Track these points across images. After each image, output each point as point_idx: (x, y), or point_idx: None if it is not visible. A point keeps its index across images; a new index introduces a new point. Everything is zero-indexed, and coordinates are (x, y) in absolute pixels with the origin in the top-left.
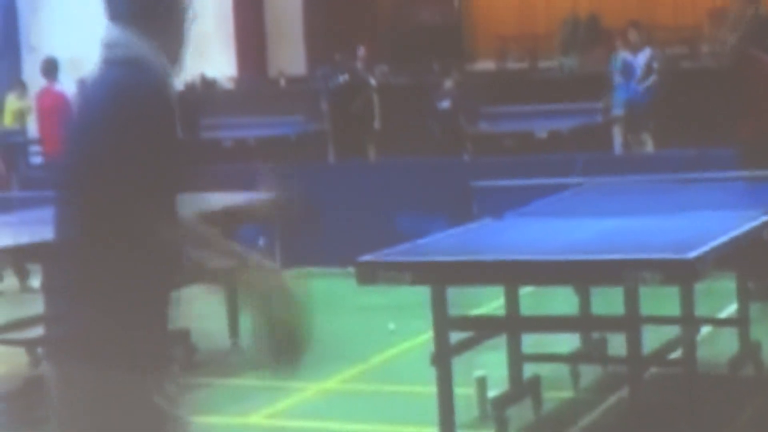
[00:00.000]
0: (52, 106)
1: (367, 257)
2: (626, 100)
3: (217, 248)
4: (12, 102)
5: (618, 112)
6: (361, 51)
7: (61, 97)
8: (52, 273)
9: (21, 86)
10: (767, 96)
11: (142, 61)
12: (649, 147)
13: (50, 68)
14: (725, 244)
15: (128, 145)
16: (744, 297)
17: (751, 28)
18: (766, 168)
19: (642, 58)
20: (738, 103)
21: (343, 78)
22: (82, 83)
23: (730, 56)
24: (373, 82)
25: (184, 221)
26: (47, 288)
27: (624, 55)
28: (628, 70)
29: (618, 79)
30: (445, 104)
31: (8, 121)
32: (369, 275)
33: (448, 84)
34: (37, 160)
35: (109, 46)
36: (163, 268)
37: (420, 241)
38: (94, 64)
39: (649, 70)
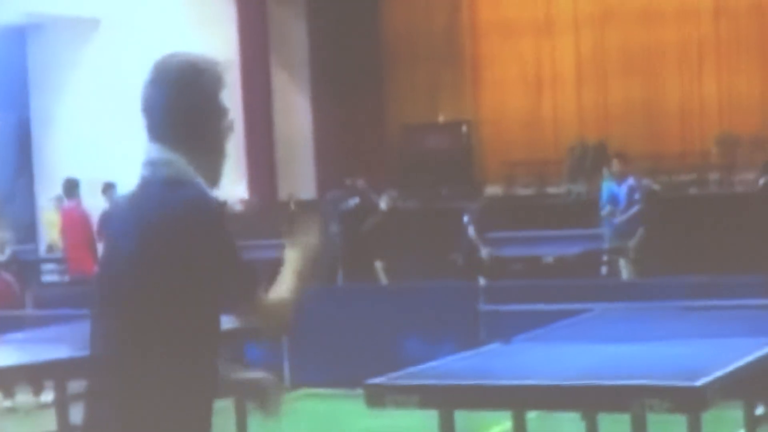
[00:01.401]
0: (77, 224)
1: (375, 380)
2: (613, 231)
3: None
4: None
5: (606, 244)
6: (361, 183)
7: (84, 216)
8: (93, 388)
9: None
10: None
11: (188, 181)
12: (626, 274)
13: (72, 187)
14: (734, 372)
15: (205, 262)
16: (751, 425)
17: None
18: None
19: (624, 188)
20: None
21: (353, 202)
22: (118, 202)
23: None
24: (383, 206)
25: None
26: (88, 401)
27: (610, 185)
28: (614, 200)
29: (607, 209)
30: (471, 232)
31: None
32: (377, 397)
33: (472, 210)
34: (51, 277)
35: (149, 164)
36: (206, 386)
37: (428, 365)
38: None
39: (630, 200)
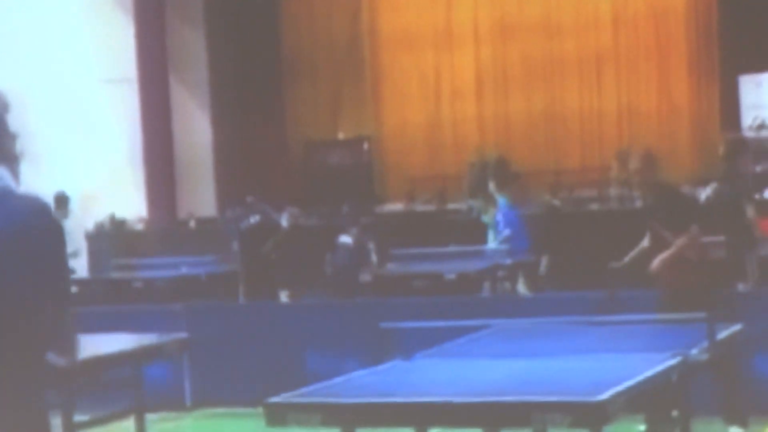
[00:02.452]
0: None
1: (275, 399)
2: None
3: None
4: None
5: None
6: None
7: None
8: None
9: None
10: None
11: (16, 189)
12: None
13: (62, 203)
14: (635, 387)
15: (50, 260)
16: None
17: (652, 199)
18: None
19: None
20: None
21: (254, 219)
22: None
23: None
24: (284, 224)
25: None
26: None
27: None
28: (494, 223)
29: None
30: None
31: None
32: (278, 416)
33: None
34: None
35: None
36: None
37: (329, 383)
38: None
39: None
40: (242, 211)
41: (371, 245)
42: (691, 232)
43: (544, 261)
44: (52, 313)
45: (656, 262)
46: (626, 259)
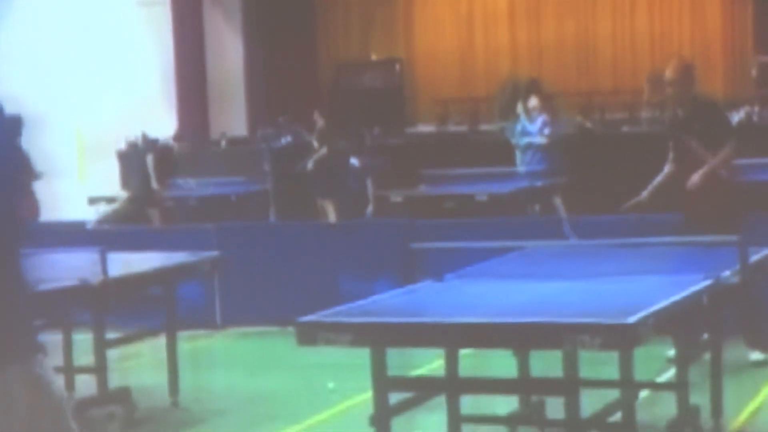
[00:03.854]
0: None
1: (306, 318)
2: (525, 170)
3: None
4: None
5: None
6: (317, 116)
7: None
8: None
9: None
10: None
11: None
12: (562, 211)
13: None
14: (665, 309)
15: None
16: (683, 361)
17: (682, 109)
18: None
19: (537, 125)
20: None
21: (286, 140)
22: None
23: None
24: (316, 144)
25: None
26: None
27: (523, 121)
28: (524, 136)
29: (518, 144)
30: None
31: None
32: (309, 336)
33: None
34: None
35: None
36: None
37: (360, 303)
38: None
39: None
40: (274, 132)
41: (368, 180)
42: (728, 148)
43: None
44: None
45: (696, 177)
46: (644, 193)
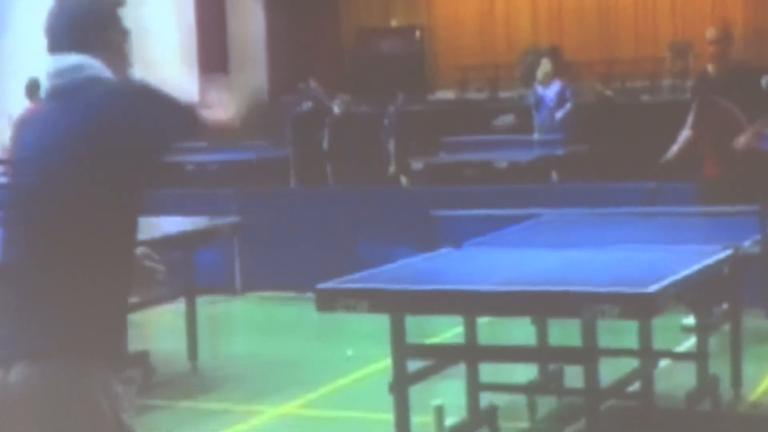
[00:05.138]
0: None
1: (325, 284)
2: (539, 131)
3: None
4: None
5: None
6: (314, 85)
7: None
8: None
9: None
10: (726, 139)
11: (105, 79)
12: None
13: (34, 89)
14: (685, 279)
15: (147, 128)
16: (702, 331)
17: (721, 72)
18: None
19: (553, 90)
20: (702, 144)
21: (306, 106)
22: (37, 108)
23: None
24: (336, 110)
25: None
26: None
27: (536, 87)
28: (539, 102)
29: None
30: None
31: None
32: (327, 302)
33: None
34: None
35: (67, 71)
36: (121, 285)
37: (378, 270)
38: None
39: (561, 101)
40: (294, 98)
41: (391, 141)
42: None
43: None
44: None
45: (743, 139)
46: (670, 153)
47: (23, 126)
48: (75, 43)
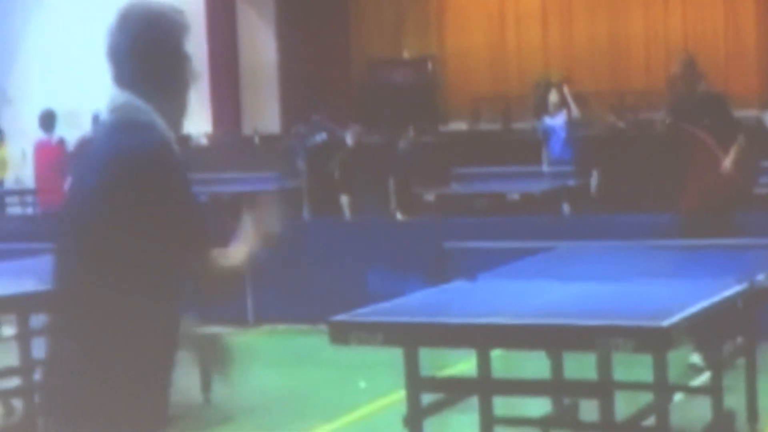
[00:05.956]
0: (50, 157)
1: (339, 317)
2: (552, 162)
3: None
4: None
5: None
6: (316, 116)
7: (59, 149)
8: (54, 323)
9: None
10: (702, 169)
11: (153, 126)
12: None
13: (48, 120)
14: (700, 313)
15: (166, 207)
16: (717, 365)
17: (690, 104)
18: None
19: (560, 120)
20: (677, 177)
21: (320, 137)
22: (83, 140)
23: (665, 130)
24: (349, 141)
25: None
26: (49, 334)
27: (544, 119)
28: (548, 132)
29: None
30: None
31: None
32: (341, 335)
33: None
34: (15, 210)
35: (115, 109)
36: (166, 328)
37: (392, 302)
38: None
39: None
40: (308, 129)
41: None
42: (741, 141)
43: (595, 180)
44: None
45: (728, 162)
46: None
47: (77, 156)
48: (132, 76)
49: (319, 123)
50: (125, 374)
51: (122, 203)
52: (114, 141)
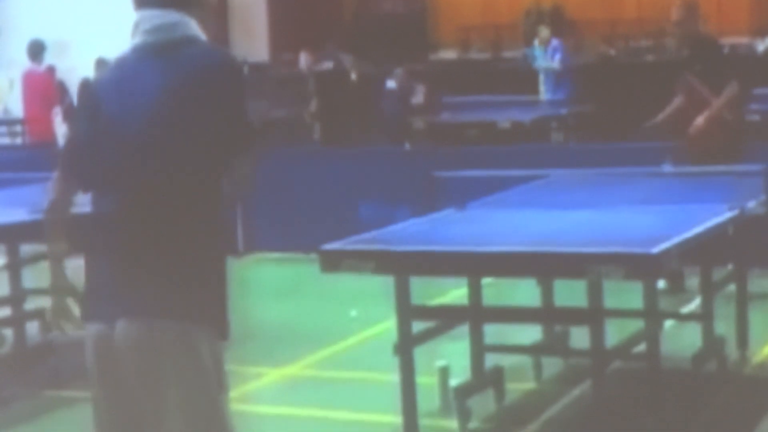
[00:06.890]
0: (39, 87)
1: (330, 245)
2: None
3: None
4: None
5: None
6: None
7: (47, 78)
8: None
9: None
10: (694, 117)
11: (201, 41)
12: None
13: (36, 50)
14: (690, 239)
15: (230, 113)
16: (708, 292)
17: (691, 51)
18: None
19: (550, 49)
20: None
21: (327, 65)
22: (86, 82)
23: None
24: (353, 77)
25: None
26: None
27: (536, 49)
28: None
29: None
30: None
31: None
32: (332, 263)
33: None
34: (4, 140)
35: (164, 29)
36: (223, 234)
37: (384, 230)
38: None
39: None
40: (320, 55)
41: (420, 86)
42: (731, 89)
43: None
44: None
45: (700, 120)
46: (660, 116)
47: (105, 84)
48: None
49: (331, 52)
50: (203, 266)
51: (224, 106)
52: (203, 51)
